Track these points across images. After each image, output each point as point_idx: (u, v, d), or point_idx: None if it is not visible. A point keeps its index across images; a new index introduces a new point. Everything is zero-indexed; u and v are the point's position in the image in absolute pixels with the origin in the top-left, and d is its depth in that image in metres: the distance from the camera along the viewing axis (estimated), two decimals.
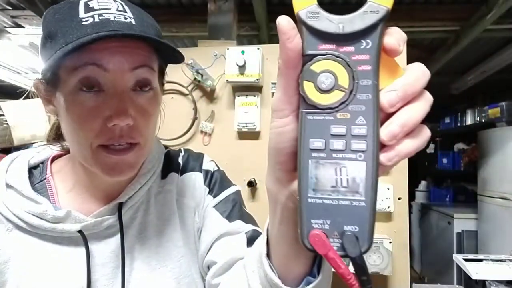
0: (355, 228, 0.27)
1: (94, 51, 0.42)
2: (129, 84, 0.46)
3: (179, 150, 0.64)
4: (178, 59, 0.50)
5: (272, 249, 0.38)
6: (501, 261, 1.67)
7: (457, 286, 1.86)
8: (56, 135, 0.58)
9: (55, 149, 0.58)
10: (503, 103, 2.79)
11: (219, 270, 0.52)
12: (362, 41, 0.26)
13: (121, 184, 0.53)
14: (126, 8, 0.46)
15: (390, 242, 1.27)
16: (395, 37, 0.27)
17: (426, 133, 0.28)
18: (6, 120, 2.64)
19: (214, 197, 0.60)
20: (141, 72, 0.46)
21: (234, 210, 0.59)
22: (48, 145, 0.58)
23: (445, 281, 3.26)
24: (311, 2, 0.27)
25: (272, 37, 2.45)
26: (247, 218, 0.59)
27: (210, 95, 1.50)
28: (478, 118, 3.50)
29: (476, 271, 1.56)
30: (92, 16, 0.43)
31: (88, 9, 0.44)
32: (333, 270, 0.29)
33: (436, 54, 2.83)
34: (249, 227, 0.57)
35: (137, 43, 0.45)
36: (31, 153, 0.56)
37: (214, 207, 0.58)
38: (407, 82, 0.27)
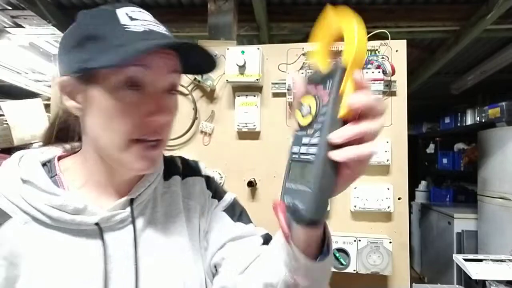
0: (303, 206, 0.39)
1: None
2: (166, 85, 0.51)
3: (172, 156, 0.69)
4: (208, 68, 0.55)
5: (293, 237, 0.46)
6: (501, 261, 1.67)
7: (457, 286, 1.86)
8: (57, 137, 0.61)
9: (57, 150, 0.60)
10: (503, 103, 2.79)
11: (233, 267, 0.58)
12: (328, 83, 0.40)
13: (131, 182, 0.58)
14: (157, 21, 0.52)
15: (390, 242, 1.27)
16: (357, 99, 0.37)
17: (371, 140, 0.38)
18: (6, 120, 2.64)
19: (219, 200, 0.66)
20: (174, 76, 0.52)
21: (243, 214, 0.66)
22: (50, 147, 0.60)
23: (445, 281, 3.26)
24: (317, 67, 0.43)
25: (272, 37, 2.45)
26: (253, 222, 0.67)
27: (210, 95, 1.49)
28: (478, 118, 3.50)
29: (476, 271, 1.56)
30: (139, 25, 0.48)
31: (130, 18, 0.49)
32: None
33: (436, 54, 2.83)
34: (263, 230, 0.65)
35: (170, 51, 0.51)
36: (36, 152, 0.58)
37: (223, 210, 0.65)
38: (356, 131, 0.37)
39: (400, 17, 2.20)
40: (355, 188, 1.34)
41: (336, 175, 0.39)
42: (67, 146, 0.61)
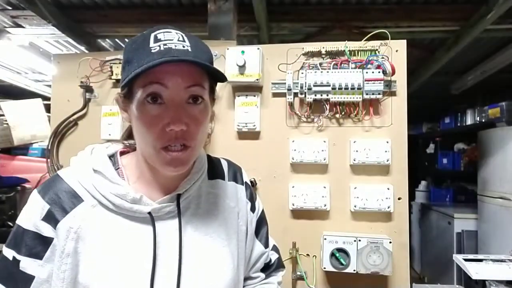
0: None
1: (158, 73, 0.56)
2: (184, 98, 0.59)
3: (219, 159, 0.80)
4: (223, 79, 0.65)
5: None
6: (501, 261, 1.66)
7: (457, 286, 1.86)
8: (128, 136, 0.73)
9: (118, 146, 0.71)
10: (503, 103, 2.78)
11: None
12: None
13: (176, 179, 0.66)
14: (185, 38, 0.59)
15: (390, 242, 1.27)
16: None
17: None
18: (6, 120, 2.64)
19: (253, 211, 0.78)
20: (194, 89, 0.59)
21: (267, 235, 0.82)
22: (113, 143, 0.72)
23: (445, 281, 3.25)
24: None
25: (272, 37, 2.45)
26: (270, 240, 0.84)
27: None
28: (478, 118, 3.50)
29: (476, 271, 1.56)
30: (159, 46, 0.56)
31: (156, 40, 0.57)
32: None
33: (436, 54, 2.83)
34: (275, 255, 0.84)
35: (191, 67, 0.58)
36: (103, 146, 0.69)
37: (258, 240, 0.79)
38: None
39: (400, 17, 2.20)
40: (355, 188, 1.34)
41: None
42: (131, 142, 0.70)
